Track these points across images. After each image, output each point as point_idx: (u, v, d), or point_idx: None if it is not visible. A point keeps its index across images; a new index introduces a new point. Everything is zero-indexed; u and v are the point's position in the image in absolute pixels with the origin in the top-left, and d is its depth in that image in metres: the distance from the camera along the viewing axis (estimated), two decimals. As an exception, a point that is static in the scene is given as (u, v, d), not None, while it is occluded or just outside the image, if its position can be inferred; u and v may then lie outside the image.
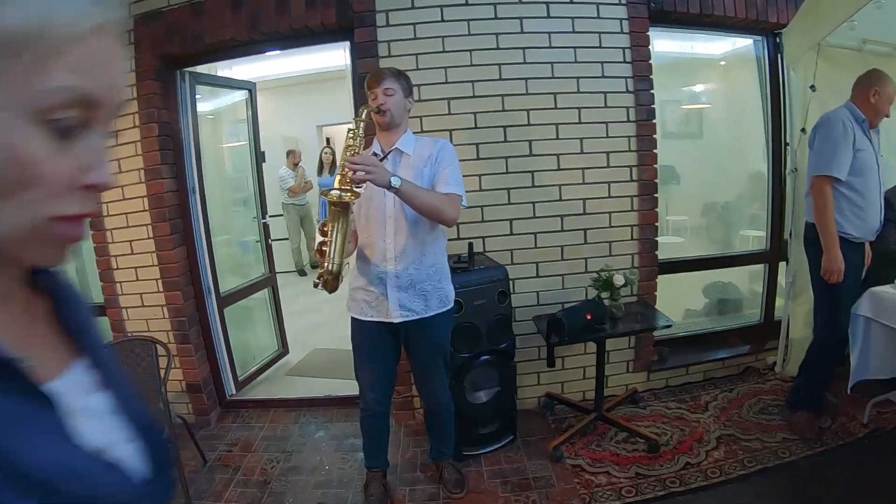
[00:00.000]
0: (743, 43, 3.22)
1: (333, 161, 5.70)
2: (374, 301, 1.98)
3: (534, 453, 2.48)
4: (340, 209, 1.76)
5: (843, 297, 2.35)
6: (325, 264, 1.78)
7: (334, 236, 1.77)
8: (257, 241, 3.79)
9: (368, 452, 2.28)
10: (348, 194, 1.69)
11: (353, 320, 2.08)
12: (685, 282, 3.22)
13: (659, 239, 2.85)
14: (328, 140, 7.56)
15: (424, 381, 2.18)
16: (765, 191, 3.21)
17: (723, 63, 3.55)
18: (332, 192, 1.69)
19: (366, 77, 1.97)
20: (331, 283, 1.81)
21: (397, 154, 1.97)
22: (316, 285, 1.83)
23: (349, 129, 1.85)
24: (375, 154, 1.96)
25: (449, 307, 2.06)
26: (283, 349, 3.86)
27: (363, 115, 1.86)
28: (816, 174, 2.31)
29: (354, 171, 1.68)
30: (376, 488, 2.23)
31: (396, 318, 1.96)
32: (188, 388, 2.95)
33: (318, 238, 1.83)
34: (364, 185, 1.76)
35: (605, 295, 2.48)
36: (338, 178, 1.75)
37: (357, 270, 2.05)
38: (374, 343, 2.06)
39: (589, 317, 2.34)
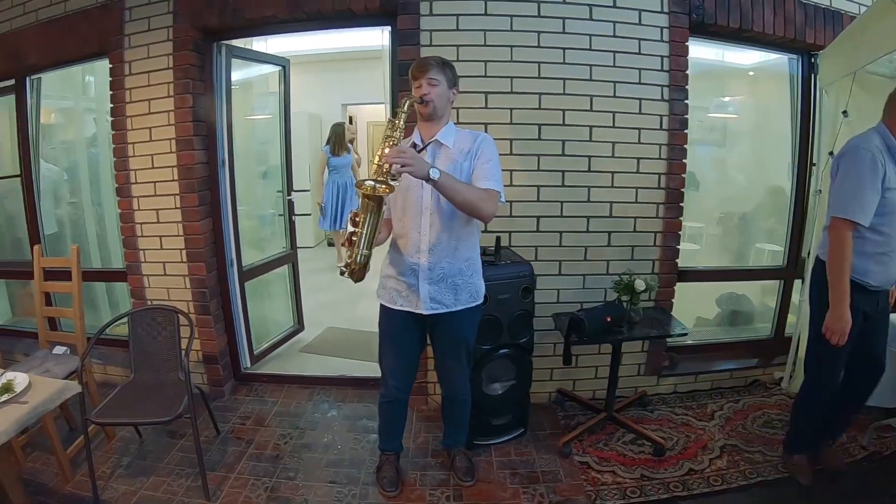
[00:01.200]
0: (774, 56, 3.21)
1: (349, 140, 5.58)
2: (405, 291, 2.00)
3: (543, 447, 2.53)
4: (374, 201, 1.74)
5: (840, 347, 2.02)
6: (354, 255, 1.78)
7: (366, 228, 1.76)
8: (280, 215, 3.80)
9: (384, 436, 2.32)
10: (383, 187, 1.65)
11: (382, 307, 2.10)
12: (699, 290, 3.24)
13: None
14: (350, 119, 7.49)
15: (446, 371, 2.21)
16: (784, 206, 3.23)
17: (751, 74, 3.55)
18: (367, 182, 1.66)
19: (410, 65, 1.95)
20: (357, 273, 1.81)
21: (437, 146, 1.96)
22: (342, 273, 1.83)
23: (389, 119, 1.83)
24: (415, 144, 1.96)
25: (478, 302, 2.08)
26: (299, 325, 3.89)
27: (405, 106, 1.82)
28: (836, 216, 1.96)
29: (391, 164, 1.66)
30: (389, 471, 2.27)
31: (426, 310, 1.98)
32: (204, 358, 2.99)
33: (350, 228, 1.82)
34: (400, 178, 1.73)
35: (624, 298, 2.51)
36: (374, 167, 1.73)
37: (389, 259, 2.07)
38: (401, 332, 2.08)
39: (608, 319, 2.38)
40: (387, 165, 1.67)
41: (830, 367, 2.13)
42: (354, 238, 1.78)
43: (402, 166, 1.64)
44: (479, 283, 2.08)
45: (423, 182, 1.75)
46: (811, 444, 2.32)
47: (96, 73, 3.39)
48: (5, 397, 1.82)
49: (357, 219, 1.79)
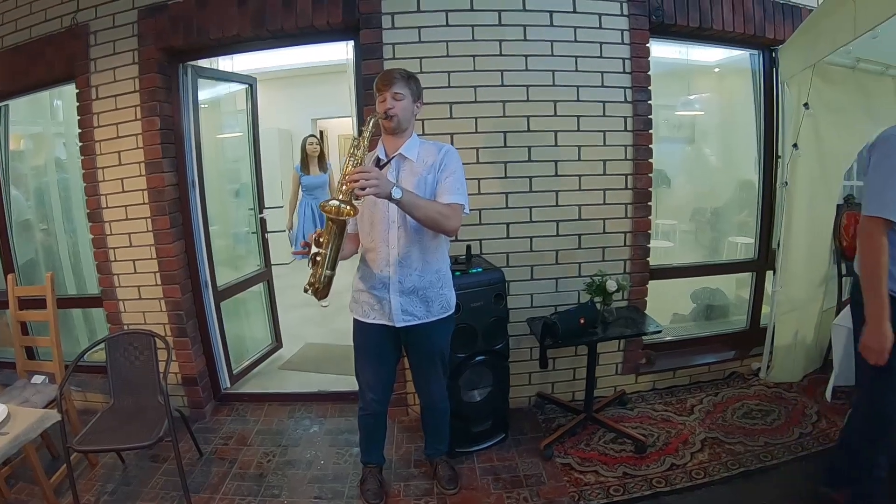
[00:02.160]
0: (737, 52, 3.28)
1: (321, 155, 4.79)
2: (377, 304, 2.01)
3: (525, 451, 2.54)
4: (337, 224, 1.73)
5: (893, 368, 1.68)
6: (318, 275, 1.79)
7: (329, 249, 1.76)
8: (252, 233, 3.79)
9: (366, 449, 2.32)
10: (347, 208, 1.65)
11: (356, 322, 2.10)
12: (674, 286, 3.29)
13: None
14: (321, 133, 7.38)
15: (423, 382, 2.22)
16: (754, 199, 3.29)
17: (717, 70, 3.62)
18: (331, 203, 1.65)
19: (374, 78, 1.95)
20: (321, 291, 1.82)
21: (400, 159, 1.97)
22: (306, 290, 1.84)
23: (353, 138, 1.82)
24: (379, 158, 1.98)
25: (450, 313, 2.09)
26: (277, 343, 3.89)
27: (370, 125, 1.81)
28: (868, 214, 1.66)
29: (357, 183, 1.62)
30: (373, 483, 2.27)
31: (398, 322, 1.99)
32: (184, 380, 2.97)
33: (313, 248, 1.81)
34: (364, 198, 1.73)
35: (597, 299, 2.53)
36: (339, 187, 1.71)
37: (360, 273, 2.08)
38: (376, 344, 2.09)
39: (582, 321, 2.40)
40: (350, 185, 1.66)
41: (884, 390, 1.76)
42: (318, 258, 1.78)
43: (364, 188, 1.62)
44: (451, 294, 2.09)
45: None
46: (858, 482, 1.93)
47: (64, 98, 3.37)
48: None
49: (321, 239, 1.78)
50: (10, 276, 2.75)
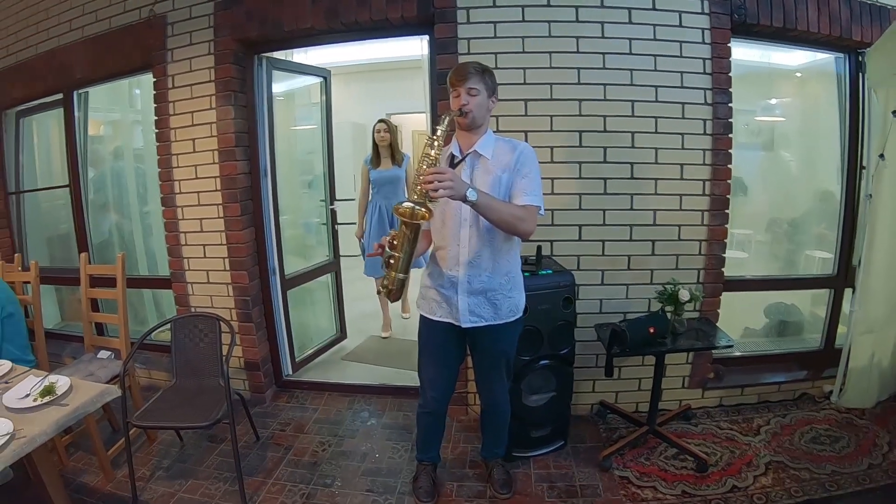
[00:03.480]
0: (821, 56, 3.10)
1: (393, 145, 3.99)
2: (445, 303, 1.98)
3: (582, 460, 2.48)
4: (411, 228, 1.70)
5: None
6: (391, 277, 1.77)
7: (403, 252, 1.74)
8: (322, 224, 3.83)
9: (422, 446, 2.31)
10: (423, 210, 1.62)
11: (422, 318, 2.09)
12: (746, 299, 3.14)
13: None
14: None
15: (485, 383, 2.18)
16: (834, 211, 3.11)
17: (799, 75, 3.43)
18: (405, 205, 1.63)
19: (448, 73, 1.91)
20: (394, 294, 1.81)
21: (475, 157, 1.91)
22: (379, 293, 1.84)
23: (428, 137, 1.77)
24: (453, 155, 1.93)
25: (518, 316, 2.04)
26: (342, 334, 3.93)
27: (445, 123, 1.76)
28: None
29: (431, 185, 1.60)
30: (426, 481, 2.27)
31: (465, 323, 1.96)
32: (246, 365, 3.04)
33: (386, 251, 1.79)
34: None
35: (668, 309, 2.44)
36: (413, 188, 1.69)
37: (429, 271, 2.06)
38: (441, 343, 2.06)
39: (652, 330, 2.32)
40: (424, 186, 1.63)
41: None
42: (392, 261, 1.76)
43: (438, 189, 1.60)
44: (520, 297, 2.04)
45: None
46: None
47: (142, 86, 3.50)
48: (47, 399, 1.89)
49: (395, 241, 1.75)
50: (83, 255, 2.88)
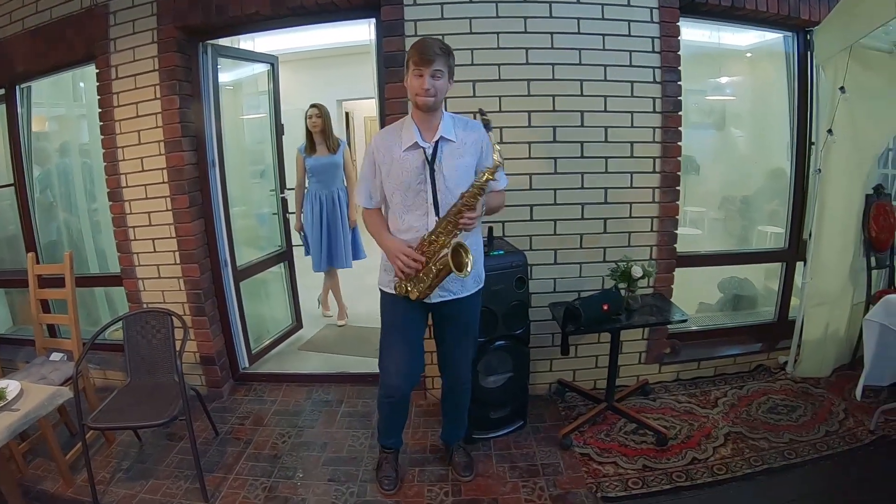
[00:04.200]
0: (770, 36, 3.16)
1: (325, 131, 3.79)
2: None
3: (543, 440, 2.49)
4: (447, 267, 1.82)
5: None
6: (410, 286, 1.92)
7: (432, 277, 1.88)
8: (274, 214, 3.77)
9: (385, 432, 2.27)
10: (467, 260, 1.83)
11: (387, 296, 2.06)
12: (700, 275, 3.20)
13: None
14: (347, 115, 7.17)
15: (451, 360, 2.15)
16: (786, 188, 3.17)
17: (749, 55, 3.49)
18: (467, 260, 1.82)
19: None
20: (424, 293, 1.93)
21: (443, 142, 1.89)
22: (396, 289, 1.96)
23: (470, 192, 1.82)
24: (418, 144, 1.87)
25: (481, 286, 2.08)
26: (297, 323, 3.88)
27: (484, 179, 1.81)
28: None
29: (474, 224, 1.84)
30: (389, 469, 2.24)
31: (435, 298, 1.97)
32: (202, 360, 2.98)
33: (429, 265, 1.88)
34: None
35: (622, 286, 2.46)
36: (448, 226, 1.84)
37: None
38: (409, 318, 2.04)
39: (605, 307, 2.33)
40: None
41: None
42: (423, 276, 1.90)
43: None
44: (482, 267, 2.09)
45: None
46: None
47: (86, 79, 3.39)
48: None
49: (434, 266, 1.87)
50: (30, 255, 2.78)
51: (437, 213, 1.89)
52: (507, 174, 2.54)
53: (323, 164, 3.80)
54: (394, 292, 2.00)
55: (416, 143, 1.87)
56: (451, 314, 2.04)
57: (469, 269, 1.80)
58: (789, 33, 3.05)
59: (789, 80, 3.12)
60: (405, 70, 1.85)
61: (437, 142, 1.88)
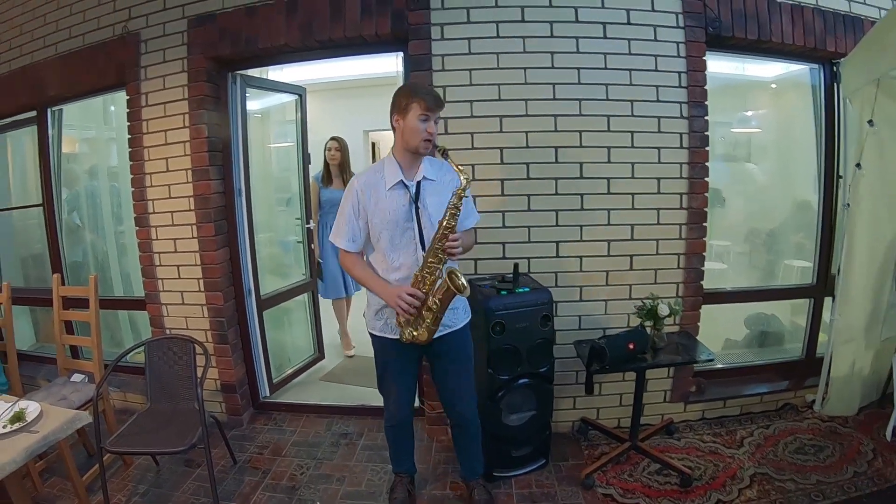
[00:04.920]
0: (796, 67, 3.13)
1: (341, 164, 3.88)
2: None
3: (565, 479, 2.45)
4: (448, 295, 1.84)
5: None
6: (419, 329, 1.91)
7: (438, 312, 1.88)
8: (299, 242, 3.79)
9: (396, 459, 2.32)
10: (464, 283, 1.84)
11: (379, 339, 2.09)
12: (727, 311, 3.14)
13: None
14: (374, 145, 7.02)
15: (453, 396, 2.16)
16: (812, 221, 3.12)
17: (774, 86, 3.47)
18: (463, 281, 1.83)
19: (419, 96, 1.87)
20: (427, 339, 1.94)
21: (425, 181, 1.96)
22: (402, 337, 1.96)
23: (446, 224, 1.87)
24: (404, 182, 1.93)
25: (470, 316, 2.13)
26: (319, 354, 3.87)
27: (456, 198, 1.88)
28: None
29: (458, 249, 1.88)
30: (401, 492, 2.27)
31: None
32: (223, 387, 2.99)
33: (429, 298, 1.88)
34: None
35: (648, 323, 2.43)
36: (436, 253, 1.87)
37: None
38: (403, 360, 2.09)
39: (631, 346, 2.30)
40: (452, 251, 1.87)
41: None
42: (426, 312, 1.89)
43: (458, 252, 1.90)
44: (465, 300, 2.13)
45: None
46: None
47: (117, 103, 3.45)
48: (17, 426, 1.86)
49: (433, 303, 1.88)
50: (55, 276, 2.82)
51: (424, 249, 1.93)
52: (532, 210, 2.57)
53: (338, 197, 3.72)
54: (387, 335, 2.05)
55: (401, 181, 1.93)
56: (445, 351, 2.07)
57: (467, 285, 1.84)
58: (815, 65, 3.02)
59: (816, 112, 3.08)
60: (399, 111, 1.91)
61: (419, 181, 1.94)
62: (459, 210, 1.86)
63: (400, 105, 1.91)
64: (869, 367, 2.84)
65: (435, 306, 1.87)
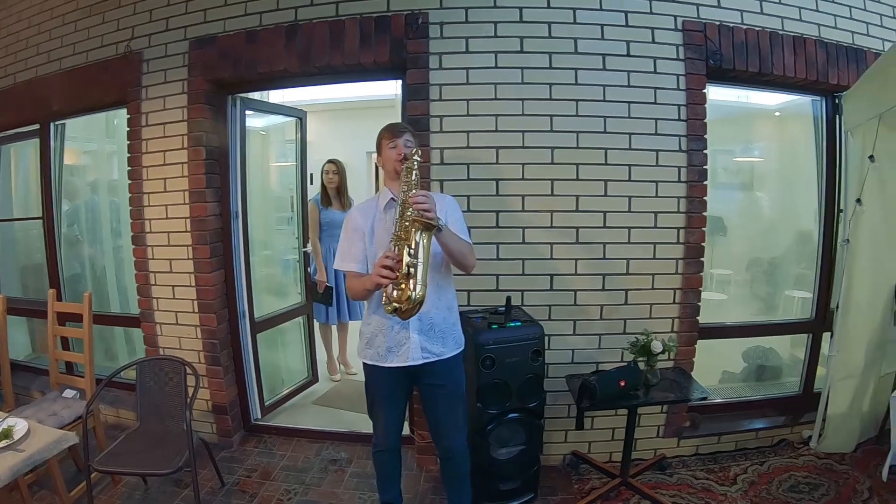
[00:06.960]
0: (799, 97, 3.11)
1: (339, 187, 3.86)
2: (395, 346, 2.00)
3: (553, 514, 2.43)
4: (426, 228, 1.76)
5: None
6: (410, 290, 1.75)
7: (423, 257, 1.76)
8: (297, 261, 3.79)
9: (382, 487, 2.30)
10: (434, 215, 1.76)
11: (370, 367, 2.09)
12: (725, 343, 3.11)
13: (701, 294, 2.75)
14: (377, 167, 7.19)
15: (442, 429, 2.14)
16: (813, 252, 3.09)
17: (777, 114, 3.44)
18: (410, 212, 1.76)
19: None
20: (410, 311, 1.78)
21: None
22: (393, 311, 1.78)
23: (405, 167, 1.90)
24: (393, 199, 1.99)
25: (462, 349, 2.09)
26: (313, 377, 3.86)
27: (416, 155, 1.92)
28: None
29: (423, 206, 1.74)
30: None
31: (418, 360, 1.99)
32: (214, 408, 2.98)
33: (406, 258, 1.75)
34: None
35: (641, 359, 2.41)
36: (402, 213, 1.81)
37: (372, 319, 2.05)
38: (391, 387, 2.09)
39: (622, 384, 2.29)
40: (417, 207, 1.75)
41: None
42: (413, 270, 1.75)
43: (430, 210, 1.74)
44: (460, 330, 2.12)
45: None
46: None
47: (120, 117, 3.46)
48: (3, 443, 1.87)
49: (411, 249, 1.76)
50: (50, 292, 2.83)
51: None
52: (528, 243, 2.56)
53: (336, 220, 3.77)
54: (377, 363, 2.04)
55: (392, 198, 2.01)
56: (437, 384, 2.06)
57: (440, 217, 1.82)
58: (817, 97, 3.00)
59: (817, 144, 3.06)
60: (378, 153, 2.07)
61: None
62: (409, 183, 1.86)
63: (377, 148, 2.09)
64: (868, 404, 2.80)
65: (417, 258, 1.77)
